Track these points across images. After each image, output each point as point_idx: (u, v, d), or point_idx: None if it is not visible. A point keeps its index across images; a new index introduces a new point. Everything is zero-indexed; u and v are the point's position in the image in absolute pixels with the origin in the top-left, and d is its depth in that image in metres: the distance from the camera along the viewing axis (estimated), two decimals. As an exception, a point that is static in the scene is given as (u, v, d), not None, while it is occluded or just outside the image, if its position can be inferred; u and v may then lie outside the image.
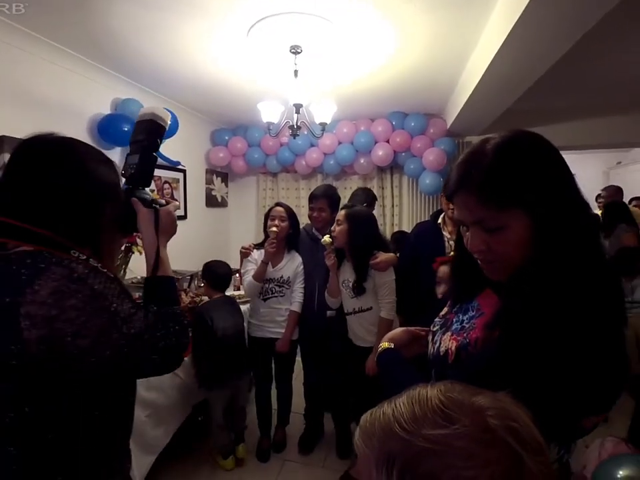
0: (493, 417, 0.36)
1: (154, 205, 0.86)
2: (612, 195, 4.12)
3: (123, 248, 2.23)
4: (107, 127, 2.48)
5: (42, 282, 0.62)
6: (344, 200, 3.33)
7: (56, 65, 2.24)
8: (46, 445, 0.65)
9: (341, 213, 1.93)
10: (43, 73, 2.18)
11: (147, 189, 0.90)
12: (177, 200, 3.40)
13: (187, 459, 2.18)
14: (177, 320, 0.77)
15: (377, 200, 2.90)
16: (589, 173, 6.28)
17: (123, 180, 0.87)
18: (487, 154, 0.62)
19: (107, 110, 2.61)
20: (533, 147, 0.62)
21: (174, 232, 0.89)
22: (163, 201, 0.89)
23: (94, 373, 0.67)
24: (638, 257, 3.02)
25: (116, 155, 2.63)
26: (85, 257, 0.72)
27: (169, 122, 0.93)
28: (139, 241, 2.29)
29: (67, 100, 2.33)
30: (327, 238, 1.93)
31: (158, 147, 0.91)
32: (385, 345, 0.87)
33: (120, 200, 0.81)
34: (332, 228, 1.94)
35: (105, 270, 0.73)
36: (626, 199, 4.17)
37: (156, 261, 0.82)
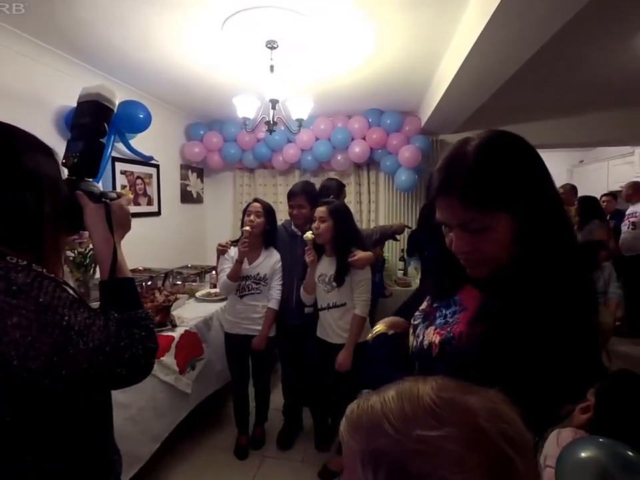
0: (484, 419, 0.35)
1: (103, 198, 0.75)
2: (567, 193, 4.32)
3: (92, 246, 2.15)
4: (74, 120, 2.37)
5: None
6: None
7: (22, 55, 2.12)
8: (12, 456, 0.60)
9: (322, 210, 1.93)
10: (7, 63, 2.07)
11: (94, 181, 0.80)
12: (148, 194, 3.31)
13: (175, 455, 2.15)
14: (141, 325, 0.70)
15: (345, 186, 2.91)
16: (554, 170, 6.41)
17: (65, 170, 0.76)
18: (467, 156, 0.62)
19: (74, 102, 2.48)
20: (512, 147, 0.64)
21: (129, 228, 0.81)
22: (114, 194, 0.79)
23: (52, 393, 0.60)
24: (600, 250, 3.19)
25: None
26: (24, 263, 0.62)
27: (117, 102, 0.82)
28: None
29: (33, 91, 2.21)
30: (309, 234, 1.93)
31: (105, 131, 0.79)
32: (380, 327, 0.87)
33: (61, 195, 0.70)
34: (314, 225, 1.94)
35: (52, 275, 0.64)
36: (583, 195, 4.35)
37: (113, 261, 0.73)
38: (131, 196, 2.91)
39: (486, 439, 0.34)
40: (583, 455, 0.95)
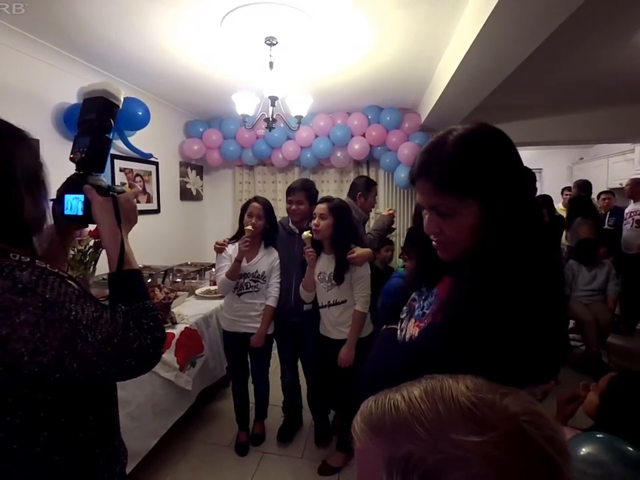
0: (529, 424, 0.33)
1: (111, 192, 0.77)
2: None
3: (92, 243, 2.16)
4: (73, 117, 2.36)
5: None
6: (327, 192, 3.36)
7: (19, 52, 2.12)
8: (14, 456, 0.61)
9: (323, 207, 1.93)
10: (5, 60, 2.06)
11: (102, 175, 0.82)
12: (147, 192, 3.30)
13: (172, 451, 2.16)
14: (150, 315, 0.71)
15: (375, 184, 2.74)
16: (554, 167, 6.57)
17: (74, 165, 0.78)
18: (447, 144, 0.66)
19: (73, 99, 2.49)
20: (491, 141, 0.66)
21: (135, 221, 0.82)
22: (121, 187, 0.82)
23: (63, 387, 0.61)
24: (595, 248, 3.20)
25: (83, 147, 2.50)
26: (28, 259, 0.62)
27: (122, 99, 0.84)
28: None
29: (29, 88, 2.21)
30: (307, 233, 1.93)
31: (111, 127, 0.81)
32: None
33: (41, 188, 0.69)
34: (314, 222, 1.93)
35: (56, 270, 0.65)
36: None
37: (121, 253, 0.74)
38: (139, 188, 2.85)
39: (531, 444, 0.32)
40: (583, 451, 0.95)
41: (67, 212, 0.78)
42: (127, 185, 3.00)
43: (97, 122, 0.79)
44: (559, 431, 0.35)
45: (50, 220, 0.74)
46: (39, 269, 0.61)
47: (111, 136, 0.83)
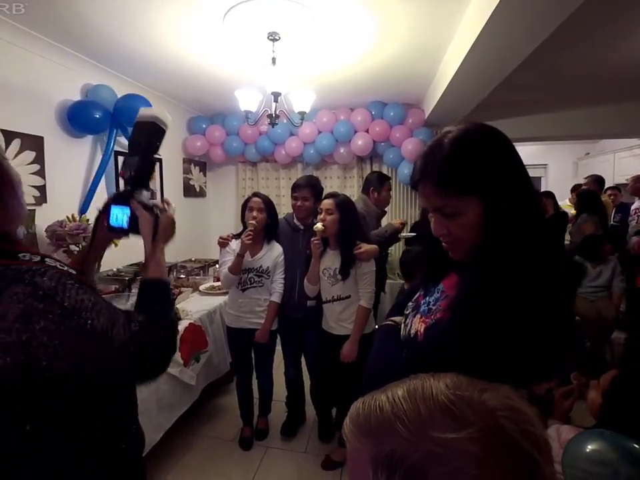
0: (507, 419, 0.33)
1: (154, 210, 0.87)
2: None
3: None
4: (77, 114, 2.37)
5: (5, 305, 0.56)
6: (331, 189, 3.34)
7: (20, 47, 2.11)
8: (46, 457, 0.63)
9: (329, 202, 1.93)
10: (8, 57, 2.06)
11: (145, 191, 0.92)
12: (152, 189, 3.31)
13: (178, 446, 2.18)
14: (166, 325, 0.75)
15: (388, 179, 2.71)
16: (560, 163, 6.52)
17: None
18: (443, 147, 0.67)
19: (76, 96, 2.49)
20: (486, 139, 0.68)
21: (172, 237, 0.91)
22: (161, 205, 0.90)
23: (79, 392, 0.63)
24: (601, 244, 3.17)
25: (87, 143, 2.49)
26: (38, 258, 0.63)
27: (169, 125, 0.95)
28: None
29: (32, 85, 2.20)
30: (319, 225, 1.92)
31: (158, 149, 0.92)
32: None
33: (15, 184, 0.68)
34: (320, 217, 1.93)
35: (65, 268, 0.66)
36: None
37: (146, 261, 0.84)
38: (174, 205, 2.96)
39: (510, 441, 0.33)
40: (588, 449, 0.94)
41: (112, 223, 0.87)
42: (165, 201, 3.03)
43: (147, 145, 0.90)
44: (538, 426, 0.35)
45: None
46: (57, 273, 0.63)
47: (156, 156, 0.94)
